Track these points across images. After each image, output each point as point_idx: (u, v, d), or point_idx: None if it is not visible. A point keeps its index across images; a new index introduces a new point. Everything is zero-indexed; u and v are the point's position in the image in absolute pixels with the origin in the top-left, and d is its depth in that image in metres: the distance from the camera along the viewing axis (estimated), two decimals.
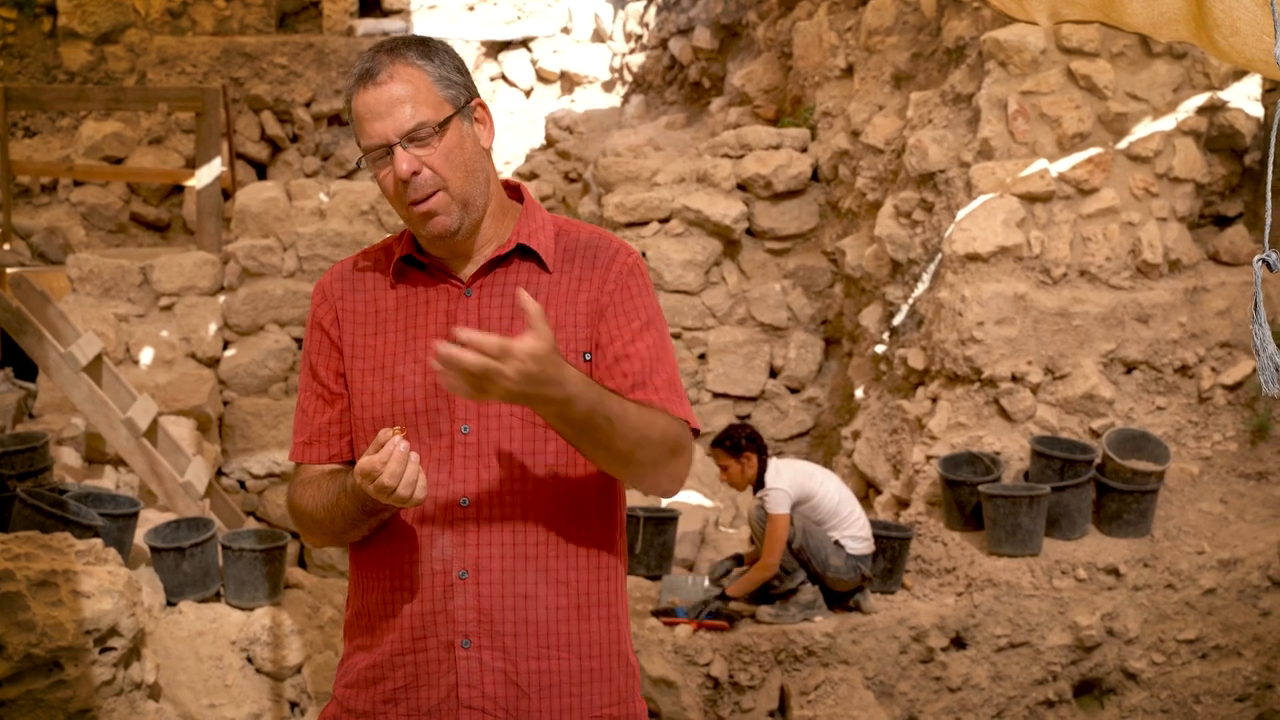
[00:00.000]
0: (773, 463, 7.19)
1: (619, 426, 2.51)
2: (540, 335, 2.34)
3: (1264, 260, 1.94)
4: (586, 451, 2.57)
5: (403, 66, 2.58)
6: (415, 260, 2.72)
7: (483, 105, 2.69)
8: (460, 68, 2.66)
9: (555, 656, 2.65)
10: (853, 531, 7.12)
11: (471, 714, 2.63)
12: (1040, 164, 8.42)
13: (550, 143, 13.47)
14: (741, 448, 7.16)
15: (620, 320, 2.68)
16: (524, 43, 14.87)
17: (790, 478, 7.08)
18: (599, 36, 15.00)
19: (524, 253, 2.70)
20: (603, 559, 2.74)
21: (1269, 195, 1.85)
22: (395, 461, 2.41)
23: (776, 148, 10.60)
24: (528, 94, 15.01)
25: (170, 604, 6.29)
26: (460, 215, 2.60)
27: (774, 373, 10.39)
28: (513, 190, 2.81)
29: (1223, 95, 8.66)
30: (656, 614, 7.19)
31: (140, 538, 6.67)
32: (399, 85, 2.56)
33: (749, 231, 10.52)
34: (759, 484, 7.12)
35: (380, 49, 2.61)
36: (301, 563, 9.80)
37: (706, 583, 7.46)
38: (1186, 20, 2.17)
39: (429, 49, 2.63)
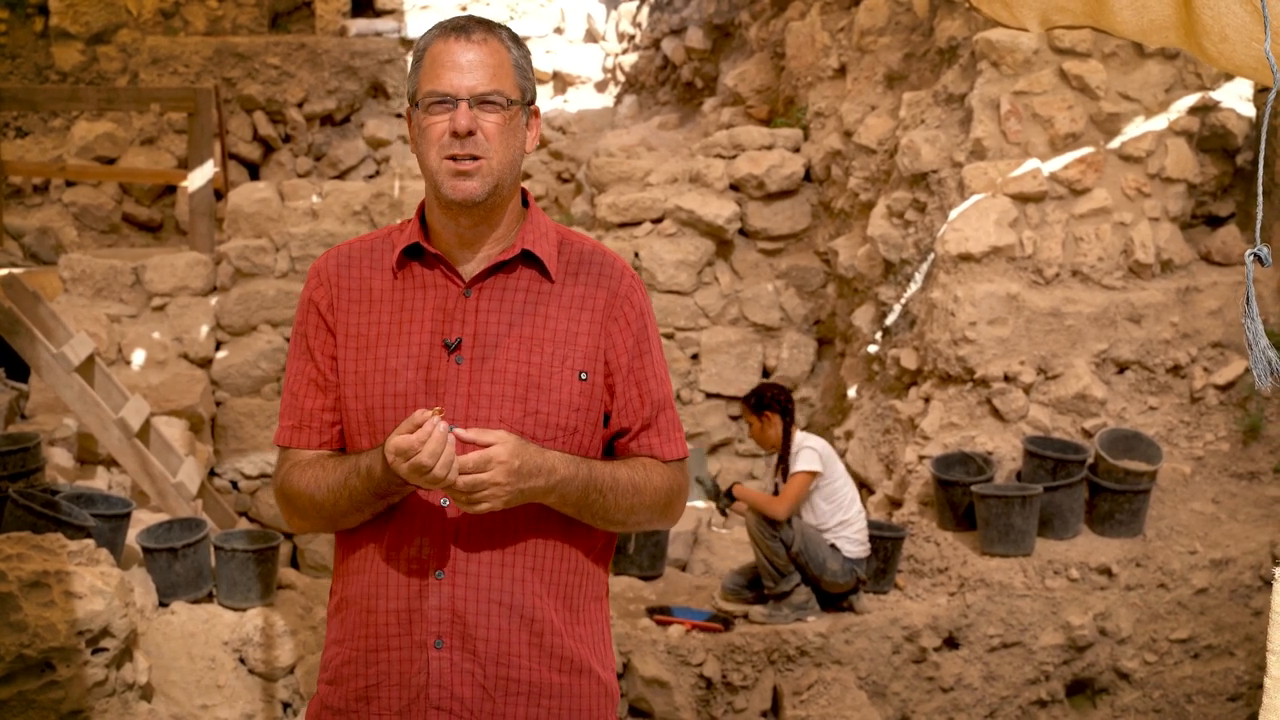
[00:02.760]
0: (799, 432, 7.18)
1: (612, 498, 2.65)
2: (500, 436, 2.50)
3: (1255, 255, 1.94)
4: (586, 521, 2.69)
5: (495, 39, 2.63)
6: (420, 250, 2.71)
7: (537, 112, 2.74)
8: (532, 68, 2.72)
9: (526, 667, 2.64)
10: (851, 534, 7.11)
11: (439, 715, 2.62)
12: (1032, 164, 8.43)
13: (543, 143, 13.47)
14: (765, 405, 7.12)
15: (632, 351, 2.73)
16: None
17: (820, 443, 7.09)
18: (592, 37, 15.00)
19: (527, 259, 2.70)
20: (584, 575, 2.74)
21: (1260, 191, 1.86)
22: (435, 441, 2.42)
23: (769, 148, 10.61)
24: None
25: (163, 604, 6.28)
26: (489, 189, 2.60)
27: (767, 373, 10.40)
28: (520, 194, 2.82)
29: (1214, 95, 8.67)
30: (651, 613, 7.19)
31: (132, 538, 6.66)
32: (488, 52, 2.60)
33: (742, 232, 10.53)
34: (784, 449, 7.08)
35: (474, 16, 2.66)
36: (294, 563, 9.79)
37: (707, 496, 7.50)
38: (1176, 27, 2.18)
39: (517, 38, 2.69)
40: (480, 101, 2.58)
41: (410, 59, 2.72)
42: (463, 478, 2.46)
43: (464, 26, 2.61)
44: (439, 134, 2.58)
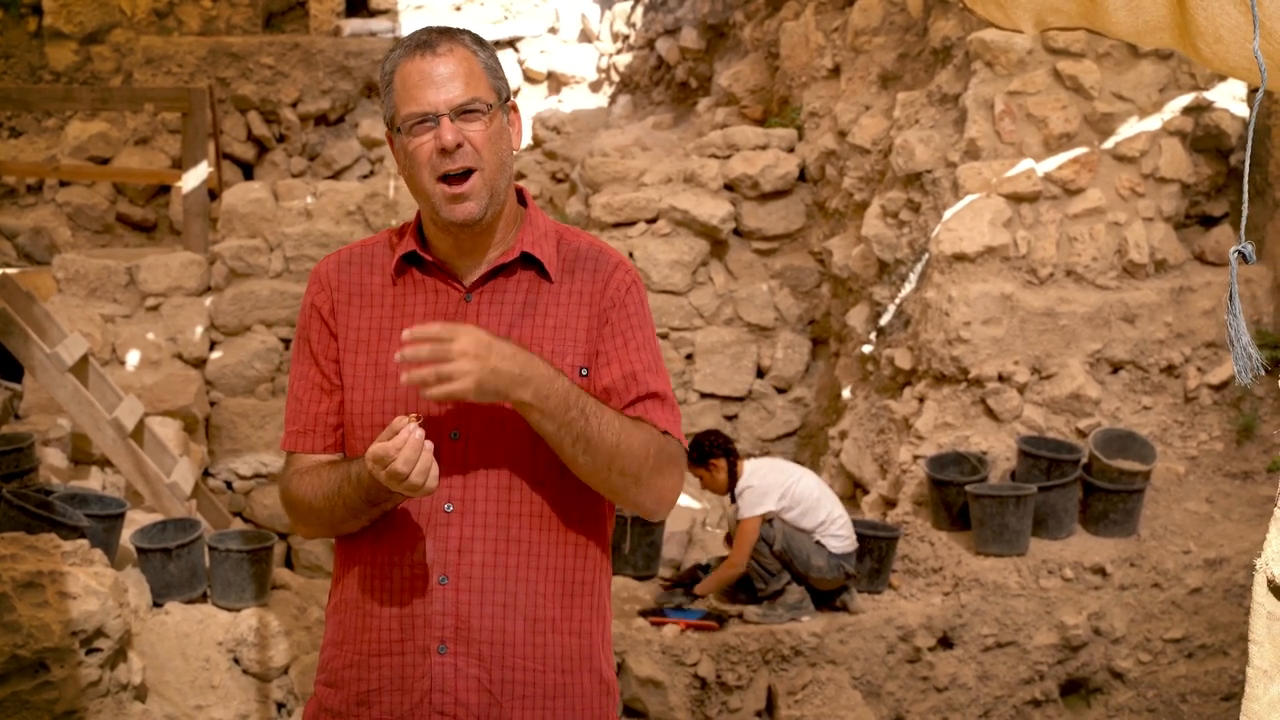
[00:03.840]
0: (748, 464, 7.20)
1: (596, 424, 2.52)
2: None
3: (1240, 251, 1.94)
4: (568, 456, 2.56)
5: (460, 47, 2.60)
6: (418, 257, 2.70)
7: (515, 108, 2.71)
8: (501, 67, 2.69)
9: (530, 668, 2.63)
10: (834, 530, 7.13)
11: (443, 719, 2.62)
12: (1027, 164, 8.44)
13: (537, 143, 13.46)
14: (706, 455, 7.16)
15: (619, 339, 2.69)
16: (511, 43, 14.85)
17: (764, 477, 7.10)
18: (586, 37, 14.99)
19: (526, 261, 2.69)
20: (585, 575, 2.73)
21: (1246, 188, 1.86)
22: (410, 448, 2.39)
23: (763, 148, 10.61)
24: (514, 94, 14.99)
25: (157, 605, 6.28)
26: (486, 204, 2.59)
27: (761, 373, 10.40)
28: (516, 193, 2.80)
29: (1208, 95, 8.68)
30: (645, 614, 7.19)
31: (126, 538, 6.66)
32: (456, 61, 2.58)
33: (736, 232, 10.53)
34: (733, 485, 7.13)
35: (433, 29, 2.63)
36: (288, 563, 9.78)
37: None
38: (1170, 28, 2.18)
39: (481, 40, 2.67)
40: (461, 113, 2.56)
41: (380, 83, 2.67)
42: (425, 346, 2.41)
43: (427, 41, 2.59)
44: (427, 154, 2.56)
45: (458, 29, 2.65)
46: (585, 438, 2.53)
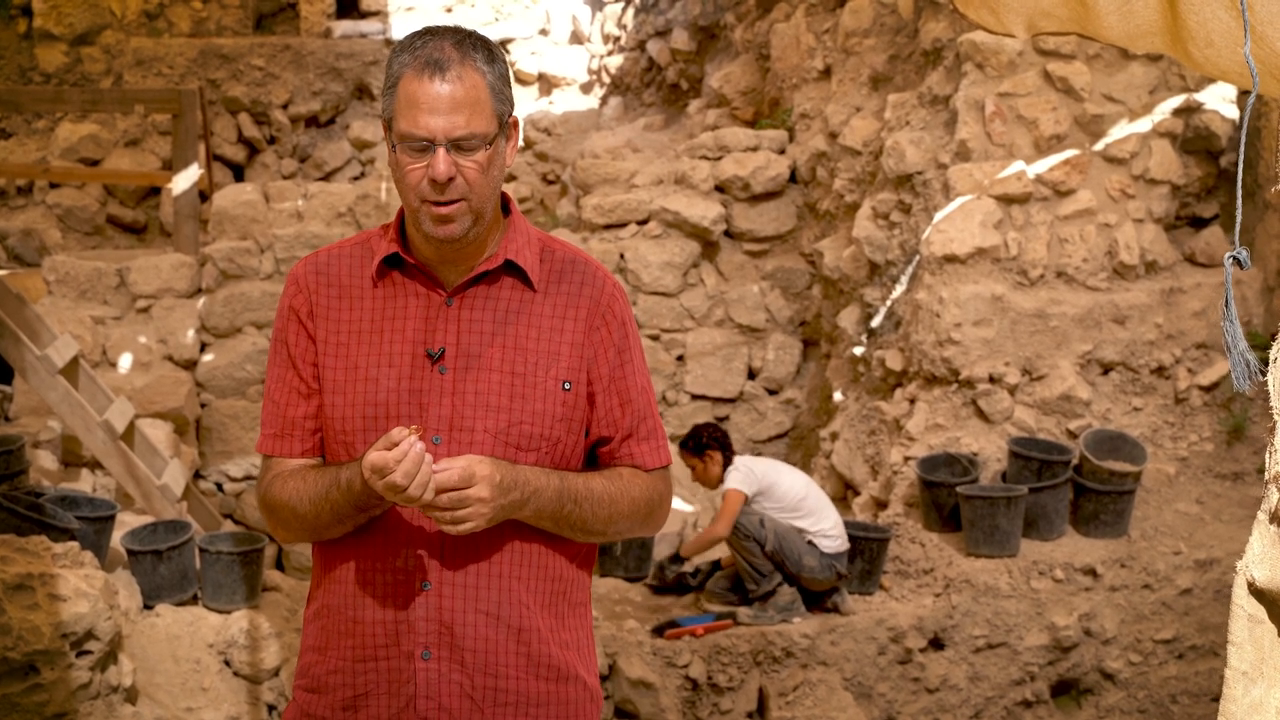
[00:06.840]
0: (739, 459, 7.23)
1: (588, 508, 2.65)
2: (470, 456, 2.51)
3: (1234, 257, 1.95)
4: (567, 535, 2.68)
5: (470, 69, 2.51)
6: (400, 259, 2.67)
7: (515, 123, 2.65)
8: (509, 78, 2.62)
9: (513, 675, 2.64)
10: (824, 529, 7.13)
11: None
12: (1017, 165, 8.45)
13: (528, 145, 13.47)
14: (704, 446, 7.18)
15: (614, 361, 2.71)
16: (501, 44, 14.85)
17: (752, 464, 7.14)
18: (577, 38, 15.00)
19: (510, 268, 2.67)
20: (568, 582, 2.74)
21: (1239, 193, 1.86)
22: (410, 461, 2.39)
23: (754, 149, 10.62)
24: None
25: (147, 607, 6.26)
26: (470, 226, 2.56)
27: (752, 374, 10.40)
28: (501, 199, 2.76)
29: (1198, 97, 8.70)
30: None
31: (117, 540, 6.64)
32: (463, 88, 2.49)
33: (727, 233, 10.53)
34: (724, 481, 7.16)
35: (446, 38, 2.53)
36: (279, 565, 9.77)
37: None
38: (1162, 33, 2.18)
39: (492, 54, 2.57)
40: (456, 146, 2.50)
41: (385, 76, 2.61)
42: (445, 495, 2.45)
43: (438, 62, 2.49)
44: (416, 179, 2.52)
45: (471, 40, 2.55)
46: (581, 524, 2.67)
